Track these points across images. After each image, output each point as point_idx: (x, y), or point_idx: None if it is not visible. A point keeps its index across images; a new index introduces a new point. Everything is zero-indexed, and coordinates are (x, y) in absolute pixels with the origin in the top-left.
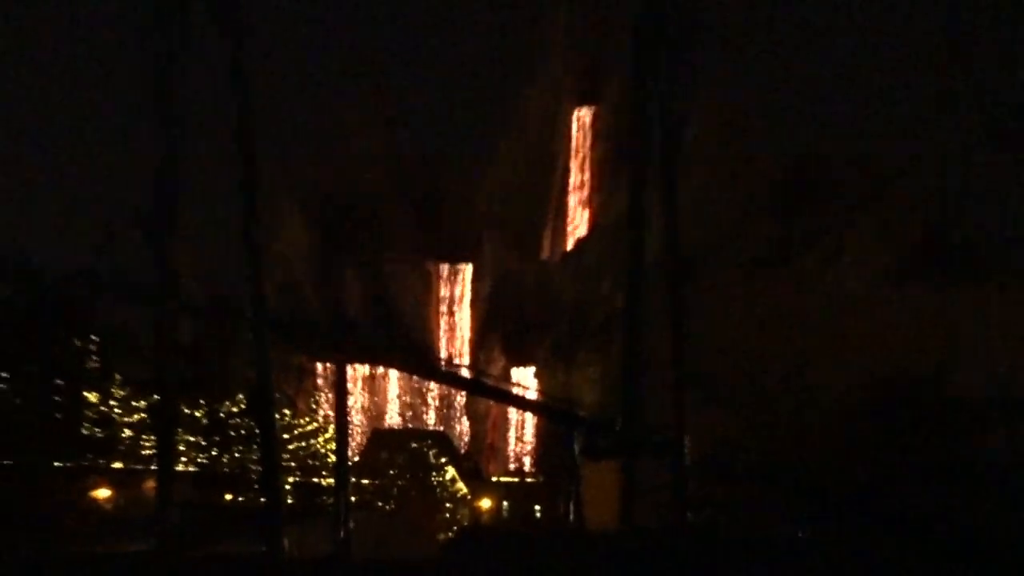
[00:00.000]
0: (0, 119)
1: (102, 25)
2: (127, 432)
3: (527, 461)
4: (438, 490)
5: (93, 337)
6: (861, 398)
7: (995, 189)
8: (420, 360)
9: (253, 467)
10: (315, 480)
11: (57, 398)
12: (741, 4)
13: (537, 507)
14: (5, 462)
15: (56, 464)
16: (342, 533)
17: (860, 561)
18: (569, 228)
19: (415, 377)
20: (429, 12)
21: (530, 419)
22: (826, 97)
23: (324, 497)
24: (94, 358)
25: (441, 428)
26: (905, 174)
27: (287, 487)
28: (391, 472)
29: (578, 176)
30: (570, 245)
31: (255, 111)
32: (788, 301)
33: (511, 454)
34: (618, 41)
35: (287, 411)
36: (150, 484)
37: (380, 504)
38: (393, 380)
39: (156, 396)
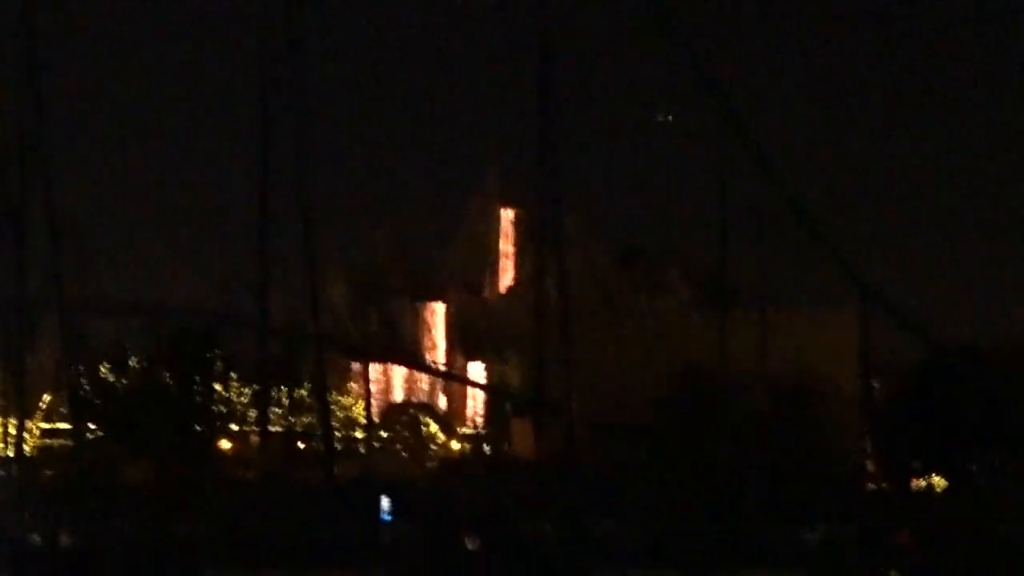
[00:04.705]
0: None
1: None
2: (239, 407)
3: (479, 420)
4: (425, 438)
5: (217, 351)
6: (673, 379)
7: (752, 249)
8: (414, 359)
9: (316, 425)
10: (351, 434)
11: (197, 387)
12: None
13: (486, 446)
14: (169, 430)
15: (196, 427)
16: (369, 464)
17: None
18: (501, 278)
19: (411, 370)
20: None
21: (480, 394)
22: (648, 199)
23: (356, 444)
24: (219, 363)
25: (428, 401)
26: (699, 243)
27: (336, 439)
28: (397, 428)
29: (505, 247)
30: (501, 289)
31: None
32: (627, 326)
33: (469, 415)
34: (528, 172)
35: (335, 392)
36: (254, 438)
37: (393, 447)
38: (399, 373)
39: (256, 385)
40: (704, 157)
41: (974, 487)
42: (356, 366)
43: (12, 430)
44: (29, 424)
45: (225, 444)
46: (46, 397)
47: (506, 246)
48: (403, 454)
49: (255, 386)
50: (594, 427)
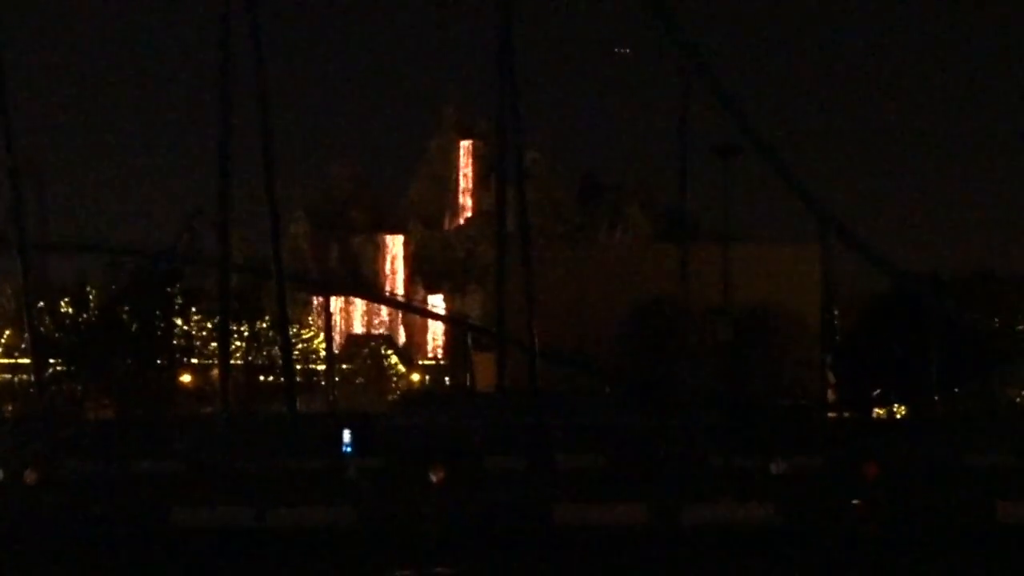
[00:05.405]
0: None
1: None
2: (199, 342)
3: (439, 352)
4: (387, 370)
5: (178, 286)
6: (632, 311)
7: (714, 183)
8: (374, 292)
9: (278, 359)
10: (312, 367)
11: (158, 321)
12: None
13: (447, 378)
14: (129, 361)
15: (158, 361)
16: (331, 398)
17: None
18: (460, 211)
19: (371, 303)
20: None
21: (439, 326)
22: (609, 133)
23: (317, 378)
24: (179, 299)
25: (388, 333)
26: (657, 176)
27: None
28: (358, 360)
29: (464, 180)
30: (461, 222)
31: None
32: (586, 257)
33: (430, 347)
34: (488, 105)
35: (296, 325)
36: (215, 372)
37: (354, 380)
38: (359, 306)
39: (217, 318)
40: (666, 91)
41: (935, 416)
42: (317, 299)
43: None
44: None
45: (186, 378)
46: (7, 333)
47: (465, 179)
48: (361, 389)
49: (216, 320)
50: (555, 360)
